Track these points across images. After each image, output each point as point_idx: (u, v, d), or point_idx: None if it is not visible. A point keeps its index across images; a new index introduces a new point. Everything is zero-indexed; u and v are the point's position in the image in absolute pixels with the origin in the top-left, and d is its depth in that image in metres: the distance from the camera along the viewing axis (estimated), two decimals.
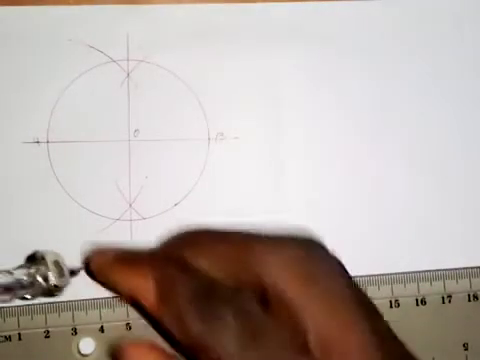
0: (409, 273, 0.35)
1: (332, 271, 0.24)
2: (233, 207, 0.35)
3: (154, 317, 0.24)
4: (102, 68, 0.36)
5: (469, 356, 0.34)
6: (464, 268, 0.35)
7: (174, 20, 0.37)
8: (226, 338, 0.22)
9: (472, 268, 0.35)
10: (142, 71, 0.37)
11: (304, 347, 0.23)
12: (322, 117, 0.37)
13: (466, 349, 0.34)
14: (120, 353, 0.24)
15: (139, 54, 0.37)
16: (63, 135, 0.36)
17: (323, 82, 0.37)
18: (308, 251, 0.24)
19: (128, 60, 0.37)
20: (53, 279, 0.26)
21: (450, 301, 0.34)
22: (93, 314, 0.34)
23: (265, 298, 0.24)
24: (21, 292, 0.26)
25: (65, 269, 0.27)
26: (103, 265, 0.26)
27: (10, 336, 0.33)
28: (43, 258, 0.27)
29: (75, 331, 0.34)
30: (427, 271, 0.35)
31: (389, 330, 0.24)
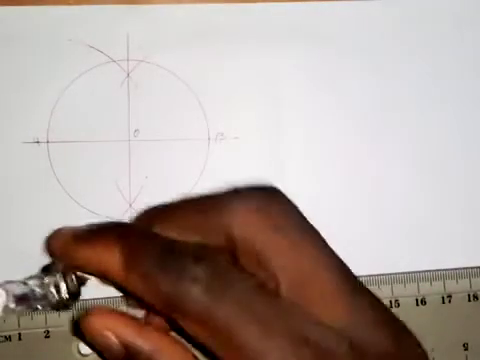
0: (409, 273, 0.35)
1: (295, 217, 0.25)
2: None
3: (124, 287, 0.24)
4: (102, 68, 0.36)
5: (469, 356, 0.34)
6: (464, 268, 0.35)
7: (174, 20, 0.37)
8: (195, 292, 0.22)
9: (472, 268, 0.35)
10: (142, 71, 0.37)
11: (276, 292, 0.23)
12: (322, 117, 0.37)
13: (466, 349, 0.34)
14: (85, 322, 0.24)
15: (139, 54, 0.37)
16: (63, 135, 0.36)
17: (323, 82, 0.37)
18: (271, 199, 0.24)
19: (128, 60, 0.37)
20: (65, 291, 0.26)
21: (450, 301, 0.34)
22: None
23: (234, 254, 0.24)
24: (35, 303, 0.26)
25: (75, 282, 0.26)
26: (64, 246, 0.26)
27: (10, 336, 0.33)
28: (58, 270, 0.27)
29: None
30: (427, 271, 0.35)
31: (357, 278, 0.24)
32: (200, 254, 0.23)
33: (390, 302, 0.34)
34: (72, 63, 0.36)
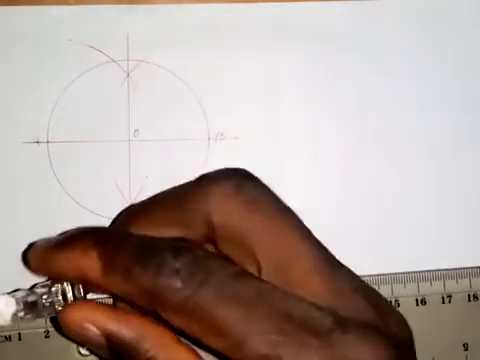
0: (409, 273, 0.35)
1: (270, 199, 0.25)
2: None
3: (105, 289, 0.24)
4: (102, 68, 0.36)
5: (469, 356, 0.34)
6: (464, 268, 0.35)
7: (174, 20, 0.37)
8: (176, 284, 0.22)
9: (472, 268, 0.35)
10: (142, 71, 0.37)
11: (257, 276, 0.23)
12: (322, 117, 0.37)
13: (466, 349, 0.34)
14: (63, 317, 0.24)
15: (139, 54, 0.37)
16: (63, 135, 0.36)
17: (323, 82, 0.37)
18: (245, 182, 0.25)
19: (128, 60, 0.37)
20: (72, 299, 0.26)
21: (450, 301, 0.34)
22: None
23: (215, 242, 0.24)
24: (42, 311, 0.26)
25: (82, 290, 0.26)
26: (41, 256, 0.26)
27: (10, 336, 0.33)
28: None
29: None
30: (427, 271, 0.35)
31: (334, 256, 0.24)
32: (178, 246, 0.23)
33: (390, 302, 0.34)
34: (72, 63, 0.36)
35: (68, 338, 0.25)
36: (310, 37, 0.37)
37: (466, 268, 0.35)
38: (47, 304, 0.25)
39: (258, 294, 0.22)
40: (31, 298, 0.25)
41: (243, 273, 0.23)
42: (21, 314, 0.24)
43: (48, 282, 0.26)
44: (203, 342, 0.22)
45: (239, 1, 0.37)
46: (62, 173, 0.36)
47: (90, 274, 0.24)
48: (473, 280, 0.35)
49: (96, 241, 0.24)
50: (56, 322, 0.25)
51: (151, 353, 0.23)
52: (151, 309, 0.23)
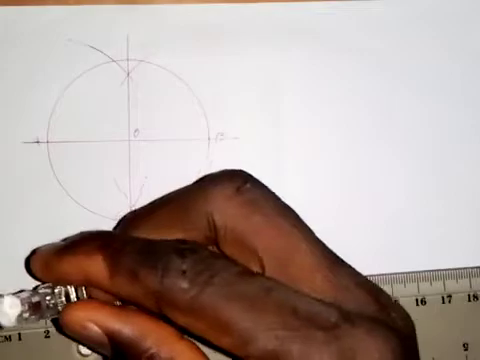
0: (409, 273, 0.35)
1: (270, 197, 0.25)
2: None
3: (111, 292, 0.24)
4: (102, 68, 0.36)
5: (469, 356, 0.34)
6: (464, 268, 0.35)
7: (174, 20, 0.37)
8: (182, 284, 0.22)
9: (472, 268, 0.35)
10: (142, 71, 0.37)
11: (261, 274, 0.23)
12: (322, 117, 0.37)
13: (466, 349, 0.34)
14: (64, 317, 0.24)
15: (139, 54, 0.37)
16: (63, 135, 0.36)
17: (323, 82, 0.37)
18: (245, 182, 0.25)
19: (128, 60, 0.37)
20: (75, 300, 0.26)
21: (450, 301, 0.34)
22: None
23: (218, 243, 0.24)
24: (45, 313, 0.26)
25: (85, 291, 0.26)
26: (46, 261, 0.26)
27: (10, 336, 0.33)
28: None
29: None
30: (427, 271, 0.35)
31: (334, 252, 0.24)
32: (183, 248, 0.23)
33: None
34: (72, 63, 0.36)
35: (69, 338, 0.25)
36: (310, 37, 0.37)
37: (466, 268, 0.35)
38: (51, 305, 0.25)
39: (263, 291, 0.22)
40: (35, 299, 0.25)
41: (247, 271, 0.23)
42: (26, 315, 0.24)
43: (51, 284, 0.26)
44: (211, 341, 0.23)
45: (239, 1, 0.37)
46: (62, 173, 0.36)
47: (96, 278, 0.24)
48: (473, 280, 0.35)
49: (100, 245, 0.24)
50: (57, 323, 0.25)
51: (153, 350, 0.23)
52: (158, 310, 0.23)
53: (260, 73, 0.37)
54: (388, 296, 0.24)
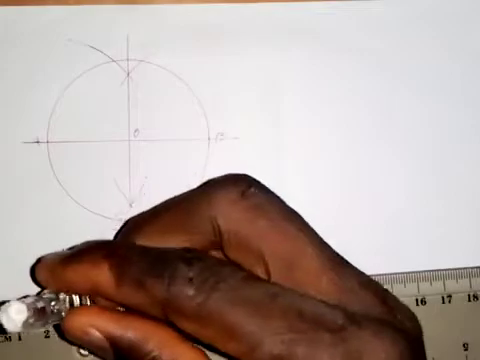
0: (409, 273, 0.35)
1: (275, 201, 0.25)
2: None
3: (117, 300, 0.24)
4: (102, 68, 0.36)
5: (469, 356, 0.34)
6: (464, 268, 0.35)
7: (174, 20, 0.37)
8: (189, 291, 0.22)
9: (472, 268, 0.35)
10: (142, 71, 0.37)
11: (266, 279, 0.23)
12: (322, 117, 0.37)
13: (466, 349, 0.34)
14: (66, 323, 0.24)
15: (139, 54, 0.37)
16: (63, 135, 0.36)
17: (323, 82, 0.37)
18: (249, 186, 0.25)
19: (128, 60, 0.37)
20: (78, 305, 0.26)
21: (450, 301, 0.34)
22: None
23: (222, 248, 0.24)
24: (49, 318, 0.26)
25: (89, 297, 0.26)
26: (51, 270, 0.26)
27: (10, 336, 0.33)
28: None
29: None
30: (427, 271, 0.35)
31: (339, 254, 0.24)
32: (189, 256, 0.23)
33: None
34: (72, 63, 0.36)
35: (71, 343, 0.25)
36: (310, 37, 0.37)
37: (466, 268, 0.35)
38: (55, 311, 0.25)
39: (268, 296, 0.22)
40: (40, 304, 0.25)
41: (252, 277, 0.23)
42: (31, 321, 0.24)
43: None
44: (218, 347, 0.23)
45: (239, 1, 0.37)
46: (62, 173, 0.36)
47: (102, 286, 0.24)
48: (473, 280, 0.35)
49: (106, 254, 0.24)
50: (59, 328, 0.25)
51: (155, 352, 0.23)
52: (164, 318, 0.23)
53: (260, 73, 0.37)
54: (395, 297, 0.24)
